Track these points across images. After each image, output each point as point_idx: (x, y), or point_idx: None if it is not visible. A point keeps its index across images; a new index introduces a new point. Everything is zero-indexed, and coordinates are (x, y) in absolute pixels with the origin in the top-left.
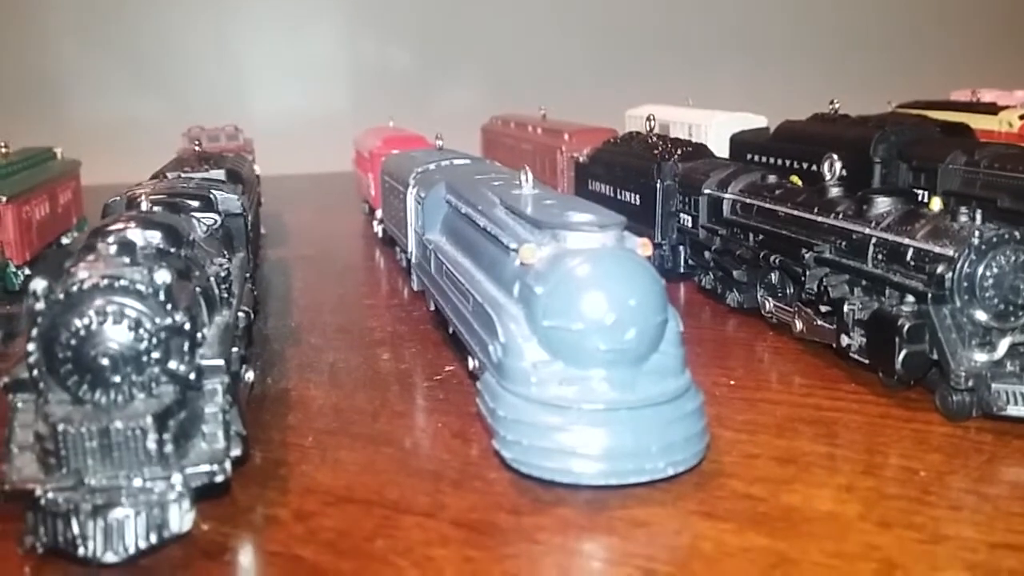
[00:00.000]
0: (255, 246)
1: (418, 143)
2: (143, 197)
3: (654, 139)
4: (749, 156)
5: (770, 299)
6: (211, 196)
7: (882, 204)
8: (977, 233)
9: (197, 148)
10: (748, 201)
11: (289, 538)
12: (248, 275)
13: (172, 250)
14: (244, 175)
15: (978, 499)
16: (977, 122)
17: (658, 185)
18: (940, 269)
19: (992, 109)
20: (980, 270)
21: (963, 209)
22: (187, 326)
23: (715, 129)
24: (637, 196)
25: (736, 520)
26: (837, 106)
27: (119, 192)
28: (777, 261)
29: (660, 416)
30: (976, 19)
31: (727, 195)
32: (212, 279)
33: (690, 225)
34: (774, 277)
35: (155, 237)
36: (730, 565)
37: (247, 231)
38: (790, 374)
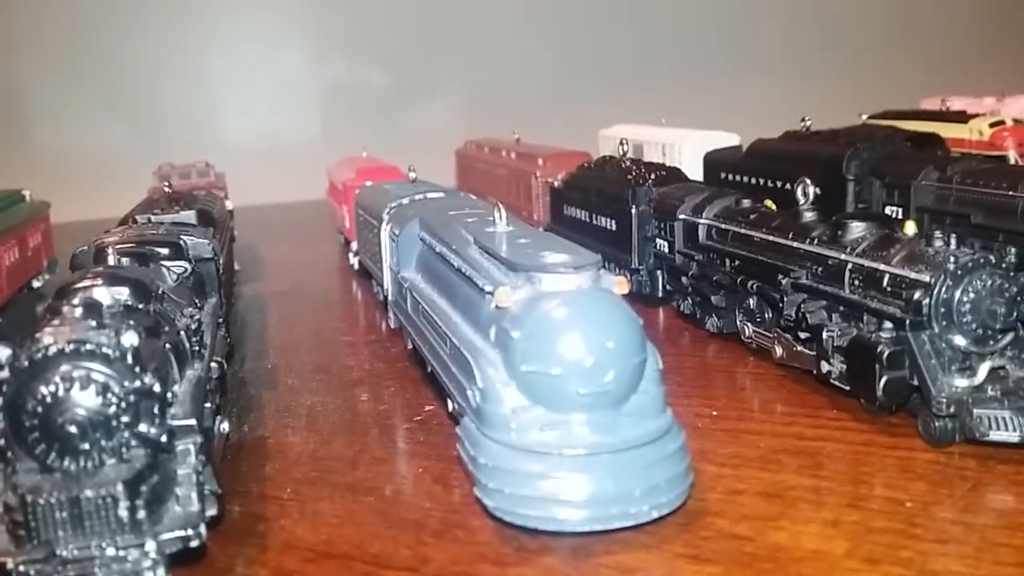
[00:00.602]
0: (228, 286)
1: (391, 175)
2: (110, 248)
3: (628, 163)
4: (722, 175)
5: (749, 324)
6: (180, 243)
7: (856, 229)
8: (952, 258)
9: (167, 188)
10: (723, 226)
11: None
12: (221, 319)
13: (140, 306)
14: (215, 215)
15: (965, 530)
16: (948, 131)
17: (633, 210)
18: (917, 295)
19: (962, 118)
20: (957, 295)
21: (938, 233)
22: (156, 387)
23: (689, 148)
24: (613, 221)
25: (723, 562)
26: (809, 123)
27: (89, 235)
28: (754, 287)
29: (642, 458)
30: (944, 27)
31: (702, 220)
32: (182, 332)
33: (667, 250)
34: (752, 302)
35: (122, 294)
36: None
37: (219, 275)
38: (772, 402)
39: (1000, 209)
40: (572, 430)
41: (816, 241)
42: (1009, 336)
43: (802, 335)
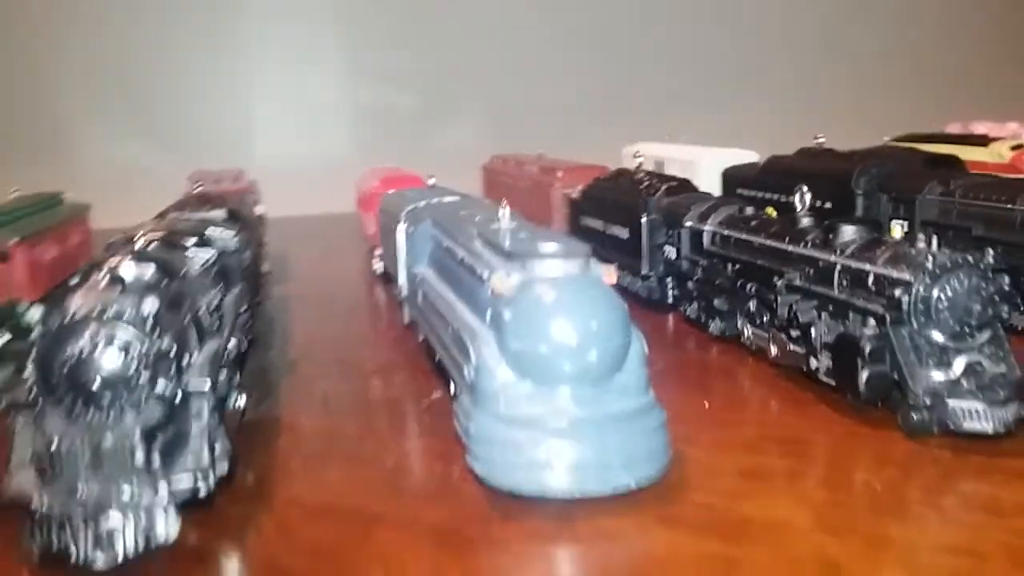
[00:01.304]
0: (256, 283)
1: (413, 182)
2: (140, 236)
3: (641, 175)
4: (739, 190)
5: (749, 326)
6: (206, 234)
7: (847, 233)
8: (931, 258)
9: (198, 190)
10: (726, 233)
11: (271, 547)
12: (245, 308)
13: (163, 282)
14: (244, 215)
15: (927, 508)
16: (968, 154)
17: (644, 219)
18: (898, 293)
19: (983, 141)
20: (935, 293)
21: (921, 236)
22: (172, 351)
23: (707, 165)
24: (626, 230)
25: (693, 529)
26: (822, 140)
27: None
28: (753, 289)
29: (622, 432)
30: (969, 52)
31: (707, 227)
32: (203, 310)
33: (674, 257)
34: (752, 305)
35: (148, 270)
36: (684, 569)
37: (244, 268)
38: (764, 397)
39: (999, 221)
40: (557, 403)
41: (809, 244)
42: (986, 333)
43: (793, 334)
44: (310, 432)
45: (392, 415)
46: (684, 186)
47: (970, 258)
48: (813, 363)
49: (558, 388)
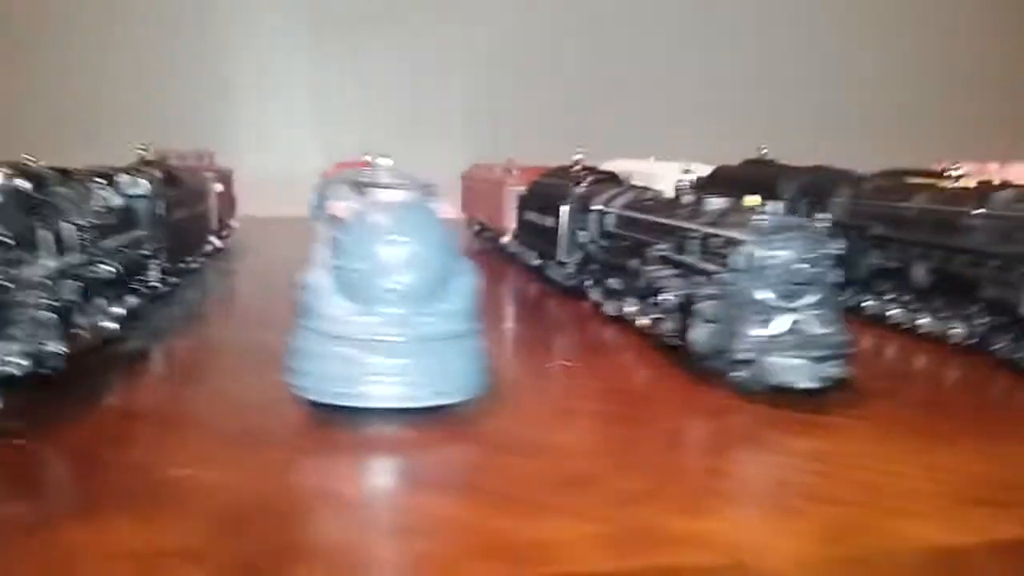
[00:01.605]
0: (176, 236)
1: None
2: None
3: (577, 170)
4: None
5: (632, 302)
6: (114, 178)
7: (711, 203)
8: (764, 220)
9: (143, 152)
10: (621, 213)
11: (84, 437)
12: (150, 252)
13: (32, 194)
14: (182, 179)
15: (693, 436)
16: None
17: (564, 207)
18: (729, 252)
19: (935, 174)
20: (763, 253)
21: (771, 202)
22: (8, 241)
23: (668, 178)
24: (552, 219)
25: (484, 446)
26: (764, 151)
27: None
28: (636, 265)
29: (436, 353)
30: (962, 95)
31: (607, 209)
32: (71, 228)
33: (586, 241)
34: (637, 282)
35: (24, 184)
36: (483, 476)
37: (154, 214)
38: (625, 362)
39: (894, 219)
40: (373, 322)
41: (676, 217)
42: (815, 295)
43: (652, 301)
44: (167, 362)
45: (250, 352)
46: (612, 179)
47: (803, 222)
48: (663, 327)
49: (378, 307)
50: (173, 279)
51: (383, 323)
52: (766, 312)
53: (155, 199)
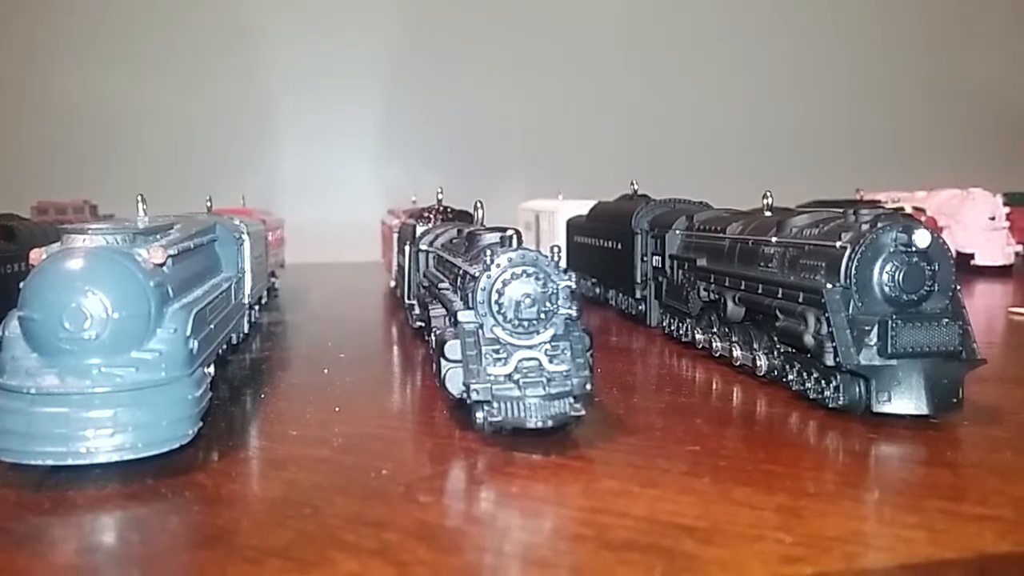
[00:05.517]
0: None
1: (243, 213)
2: None
3: (441, 210)
4: (576, 237)
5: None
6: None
7: (484, 240)
8: (502, 261)
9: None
10: (433, 252)
11: None
12: None
13: None
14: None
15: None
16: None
17: (406, 248)
18: (471, 289)
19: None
20: (496, 288)
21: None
22: None
23: (561, 214)
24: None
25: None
26: (635, 187)
27: None
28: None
29: (123, 403)
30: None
31: (426, 249)
32: None
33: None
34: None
35: None
36: None
37: None
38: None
39: (714, 251)
40: (46, 374)
41: (454, 253)
42: (549, 332)
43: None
44: None
45: None
46: (460, 216)
47: (538, 257)
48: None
49: (53, 358)
50: None
51: (56, 374)
52: (502, 350)
53: None
